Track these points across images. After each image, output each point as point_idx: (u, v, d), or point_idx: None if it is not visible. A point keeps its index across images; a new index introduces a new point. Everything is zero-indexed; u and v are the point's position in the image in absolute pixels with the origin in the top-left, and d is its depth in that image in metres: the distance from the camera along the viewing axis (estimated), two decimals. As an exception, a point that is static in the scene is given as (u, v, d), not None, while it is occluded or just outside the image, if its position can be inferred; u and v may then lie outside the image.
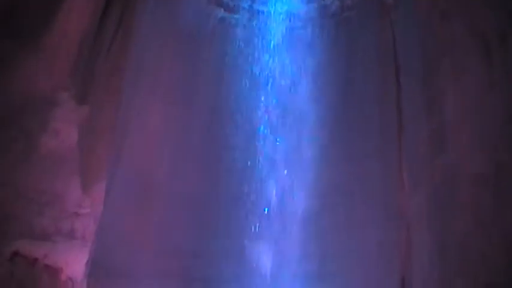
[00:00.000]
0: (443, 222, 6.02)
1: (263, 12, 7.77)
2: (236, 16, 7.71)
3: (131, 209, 6.60)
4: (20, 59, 6.53)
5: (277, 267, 6.69)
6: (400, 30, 6.94)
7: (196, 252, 6.62)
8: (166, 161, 6.88)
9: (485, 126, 5.89)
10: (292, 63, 7.53)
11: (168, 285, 6.51)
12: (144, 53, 7.02)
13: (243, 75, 7.46)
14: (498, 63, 5.98)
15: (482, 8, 6.30)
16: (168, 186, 6.80)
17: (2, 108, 6.48)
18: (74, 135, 6.69)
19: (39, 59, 6.61)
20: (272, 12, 7.77)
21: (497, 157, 5.75)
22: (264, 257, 6.72)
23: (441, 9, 6.68)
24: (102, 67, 6.97)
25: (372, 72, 7.03)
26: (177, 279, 6.54)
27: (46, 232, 6.40)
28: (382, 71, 6.98)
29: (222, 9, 7.68)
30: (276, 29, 7.72)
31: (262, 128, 7.28)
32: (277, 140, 7.23)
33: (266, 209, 6.94)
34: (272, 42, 7.64)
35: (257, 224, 6.85)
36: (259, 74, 7.50)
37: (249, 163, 7.05)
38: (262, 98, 7.39)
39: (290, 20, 7.75)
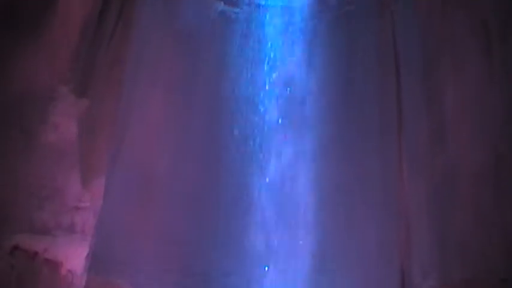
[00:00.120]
0: (443, 220, 6.02)
1: (263, 5, 7.74)
2: (236, 10, 7.69)
3: (131, 203, 6.59)
4: (19, 52, 6.55)
5: (276, 262, 6.67)
6: (400, 24, 6.92)
7: (196, 245, 6.61)
8: (166, 155, 6.87)
9: (485, 123, 5.89)
10: (292, 57, 7.49)
11: (167, 279, 6.51)
12: (144, 45, 7.01)
13: (244, 68, 7.43)
14: (498, 59, 5.97)
15: (483, 3, 6.27)
16: (168, 180, 6.79)
17: (2, 102, 6.51)
18: (73, 129, 6.69)
19: (38, 52, 6.61)
20: (272, 6, 7.74)
21: (498, 154, 5.74)
22: (263, 251, 6.70)
23: (442, 3, 6.65)
24: (102, 60, 6.95)
25: (371, 68, 7.01)
26: (177, 273, 6.54)
27: (46, 226, 6.41)
28: (382, 67, 6.96)
29: (222, 3, 7.65)
30: (276, 23, 7.69)
31: (262, 123, 7.25)
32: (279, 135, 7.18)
33: (266, 200, 6.90)
34: (272, 36, 7.61)
35: (257, 218, 6.83)
36: (260, 68, 7.47)
37: (249, 157, 7.03)
38: (262, 95, 7.37)
39: (290, 14, 7.71)
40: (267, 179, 7.04)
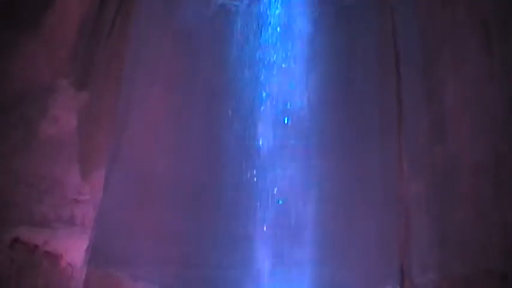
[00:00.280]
0: (442, 212, 6.04)
1: (263, -2, 7.73)
2: (236, 3, 7.66)
3: (130, 198, 6.60)
4: (19, 45, 6.53)
5: (276, 256, 6.69)
6: (400, 23, 6.91)
7: (196, 239, 6.63)
8: (165, 151, 6.88)
9: (485, 116, 5.90)
10: (292, 50, 7.48)
11: (167, 272, 6.53)
12: (143, 41, 7.00)
13: (243, 63, 7.42)
14: (498, 53, 5.98)
15: (483, 2, 6.28)
16: (167, 175, 6.80)
17: (2, 95, 6.50)
18: (73, 122, 6.68)
19: (38, 45, 6.59)
20: (272, -1, 7.73)
21: (498, 147, 5.77)
22: (263, 245, 6.72)
23: (442, 2, 6.65)
24: (102, 54, 6.93)
25: (371, 67, 7.01)
26: (177, 266, 6.56)
27: (46, 219, 6.41)
28: (382, 66, 6.96)
29: (222, -4, 7.65)
30: (276, 16, 7.66)
31: (262, 119, 7.25)
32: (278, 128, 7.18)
33: (266, 199, 6.90)
34: (272, 30, 7.58)
35: (257, 213, 6.85)
36: (260, 62, 7.46)
37: (249, 154, 7.03)
38: (261, 91, 7.35)
39: (289, 7, 7.69)
40: (267, 177, 7.04)
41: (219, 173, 6.91)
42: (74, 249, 6.36)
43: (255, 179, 7.01)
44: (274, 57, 7.50)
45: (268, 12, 7.69)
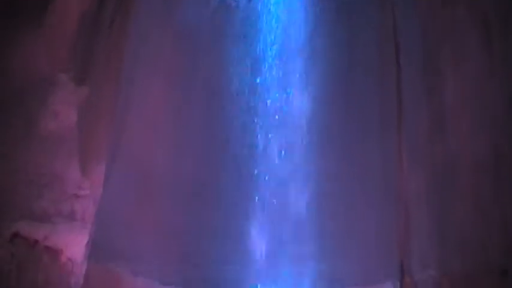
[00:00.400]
0: (442, 209, 6.07)
1: (263, -7, 7.70)
2: (237, -2, 7.66)
3: (131, 193, 6.59)
4: (19, 40, 6.52)
5: (275, 250, 6.70)
6: (401, 14, 6.91)
7: (196, 235, 6.64)
8: (165, 147, 6.87)
9: (485, 114, 5.92)
10: (292, 46, 7.47)
11: (167, 268, 6.54)
12: (143, 37, 6.98)
13: (244, 58, 7.40)
14: (499, 50, 5.99)
15: (483, -2, 6.29)
16: (168, 171, 6.80)
17: (2, 90, 6.49)
18: (73, 117, 6.67)
19: (38, 40, 6.58)
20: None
21: (498, 145, 5.79)
22: (262, 242, 6.73)
23: (442, -3, 6.66)
24: (102, 50, 6.92)
25: (371, 60, 7.00)
26: (177, 262, 6.56)
27: (46, 214, 6.40)
28: (382, 60, 6.95)
29: (223, -9, 7.62)
30: (276, 12, 7.64)
31: (262, 116, 7.24)
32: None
33: (265, 196, 6.90)
34: (273, 25, 7.57)
35: (256, 208, 6.85)
36: (260, 57, 7.45)
37: (249, 148, 7.03)
38: (262, 86, 7.35)
39: (290, 3, 7.67)
40: (267, 174, 7.04)
41: (219, 170, 6.91)
42: (74, 244, 6.36)
43: (255, 176, 7.01)
44: (274, 54, 7.49)
45: (268, 8, 7.67)
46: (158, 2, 7.21)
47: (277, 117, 7.26)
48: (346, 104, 7.02)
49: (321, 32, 7.33)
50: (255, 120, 7.19)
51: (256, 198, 6.91)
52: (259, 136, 7.16)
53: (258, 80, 7.33)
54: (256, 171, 7.02)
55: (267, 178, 7.01)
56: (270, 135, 7.17)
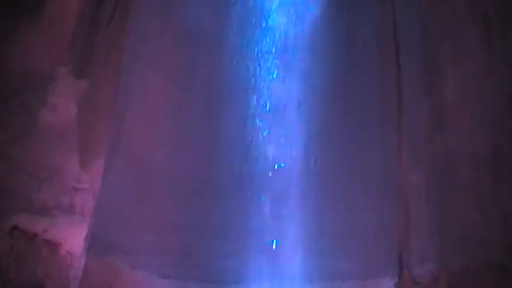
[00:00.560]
0: (442, 203, 6.08)
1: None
2: (237, -8, 7.63)
3: (130, 186, 6.61)
4: (19, 33, 6.50)
5: (276, 244, 6.71)
6: (401, 9, 6.88)
7: (195, 229, 6.64)
8: (165, 140, 6.87)
9: (485, 110, 5.91)
10: (291, 39, 7.45)
11: (166, 261, 6.55)
12: (143, 31, 6.97)
13: (243, 53, 7.39)
14: (499, 47, 5.97)
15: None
16: (167, 165, 6.81)
17: (2, 83, 6.47)
18: (72, 110, 6.66)
19: (38, 34, 6.56)
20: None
21: (497, 141, 5.77)
22: (263, 233, 6.74)
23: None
24: (101, 42, 6.91)
25: (372, 57, 6.99)
26: (176, 256, 6.58)
27: (45, 207, 6.39)
28: (382, 57, 6.94)
29: (223, -15, 7.59)
30: (276, 7, 7.61)
31: (261, 107, 7.23)
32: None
33: (264, 190, 6.90)
34: (272, 21, 7.54)
35: (256, 202, 6.85)
36: (260, 51, 7.43)
37: (248, 141, 7.02)
38: (261, 80, 7.33)
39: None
40: (266, 168, 7.04)
41: (218, 165, 6.92)
42: (73, 238, 6.36)
43: (255, 167, 7.01)
44: (274, 49, 7.47)
45: (268, 3, 7.64)
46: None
47: (276, 115, 7.25)
48: (346, 102, 7.03)
49: (321, 29, 7.30)
50: (255, 117, 7.18)
51: (255, 192, 6.91)
52: (258, 133, 7.15)
53: (257, 78, 7.31)
54: (256, 164, 7.01)
55: (266, 175, 7.01)
56: (269, 134, 7.16)
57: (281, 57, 7.42)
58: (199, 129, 6.98)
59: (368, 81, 6.98)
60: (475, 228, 5.71)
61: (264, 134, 7.18)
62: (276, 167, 7.04)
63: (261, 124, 7.26)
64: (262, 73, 7.37)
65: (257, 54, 7.41)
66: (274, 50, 7.44)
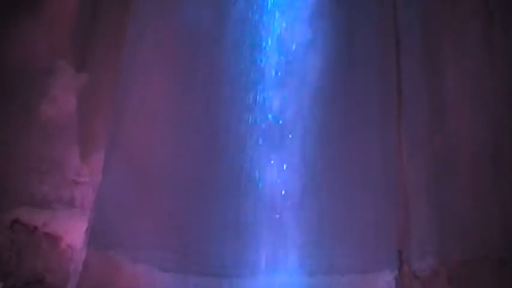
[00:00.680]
0: (441, 198, 6.11)
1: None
2: (236, -15, 7.61)
3: (130, 180, 6.59)
4: (18, 26, 6.51)
5: (274, 242, 6.71)
6: (402, 10, 6.89)
7: (196, 223, 6.64)
8: (165, 133, 6.86)
9: (485, 109, 5.94)
10: (291, 32, 7.44)
11: (167, 254, 6.54)
12: (144, 20, 6.95)
13: (243, 45, 7.37)
14: (500, 47, 6.00)
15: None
16: (167, 158, 6.80)
17: (2, 76, 6.47)
18: (73, 103, 6.67)
19: (37, 26, 6.57)
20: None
21: (497, 135, 5.81)
22: (262, 230, 6.74)
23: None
24: (101, 34, 6.91)
25: (371, 49, 6.99)
26: (176, 250, 6.57)
27: (46, 200, 6.41)
28: (383, 52, 6.95)
29: (223, -22, 7.57)
30: (276, 2, 7.60)
31: (261, 102, 7.22)
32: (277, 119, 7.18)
33: (264, 185, 6.91)
34: (273, 13, 7.53)
35: (256, 199, 6.85)
36: (259, 44, 7.42)
37: (248, 137, 7.02)
38: (261, 63, 7.31)
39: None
40: (266, 164, 7.03)
41: (219, 160, 6.91)
42: (73, 231, 6.37)
43: (255, 161, 7.01)
44: (273, 43, 7.46)
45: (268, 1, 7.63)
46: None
47: (276, 109, 7.25)
48: (346, 95, 7.01)
49: (321, 27, 7.30)
50: (254, 114, 7.18)
51: (255, 188, 6.91)
52: (259, 122, 7.15)
53: (257, 69, 7.31)
54: (256, 158, 7.01)
55: (266, 167, 7.01)
56: (269, 129, 7.16)
57: (281, 50, 7.41)
58: (199, 125, 6.97)
59: (368, 74, 6.97)
60: (474, 220, 5.76)
61: (265, 125, 7.18)
62: (276, 161, 7.04)
63: (260, 124, 7.25)
64: (263, 66, 7.37)
65: (257, 47, 7.40)
66: (272, 43, 7.42)
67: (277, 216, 6.84)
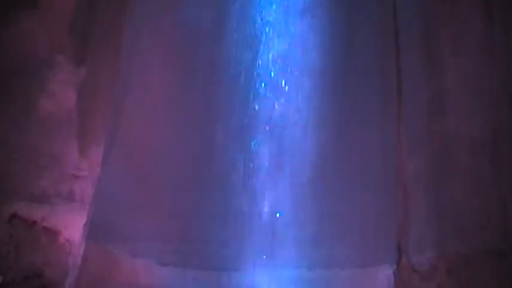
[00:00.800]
0: (441, 191, 6.07)
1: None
2: (235, -18, 7.60)
3: (129, 173, 6.59)
4: (16, 20, 6.51)
5: (275, 235, 6.70)
6: (402, 5, 6.86)
7: (195, 216, 6.64)
8: (165, 126, 6.86)
9: (484, 96, 5.91)
10: (291, 25, 7.43)
11: (166, 248, 6.54)
12: (142, 14, 6.94)
13: (242, 37, 7.36)
14: (499, 33, 5.97)
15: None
16: (167, 150, 6.79)
17: (1, 71, 6.48)
18: (71, 97, 6.67)
19: (35, 20, 6.57)
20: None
21: (497, 126, 5.79)
22: (262, 222, 6.73)
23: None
24: (100, 28, 6.90)
25: (371, 38, 6.97)
26: (176, 243, 6.57)
27: (45, 194, 6.42)
28: (382, 37, 6.92)
29: (222, -29, 7.56)
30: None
31: (260, 92, 7.21)
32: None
33: (264, 177, 6.90)
34: (272, 8, 7.52)
35: (255, 187, 6.85)
36: (258, 37, 7.40)
37: (249, 129, 7.02)
38: (260, 62, 7.31)
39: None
40: (265, 154, 7.03)
41: (219, 151, 6.90)
42: (72, 225, 6.38)
43: (255, 153, 7.00)
44: (273, 35, 7.45)
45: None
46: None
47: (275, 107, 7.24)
48: (344, 84, 6.98)
49: (321, 24, 7.28)
50: (255, 98, 7.16)
51: (256, 179, 6.91)
52: (259, 113, 7.14)
53: (255, 57, 7.29)
54: (256, 150, 7.00)
55: (265, 158, 7.00)
56: (269, 113, 7.15)
57: (281, 43, 7.40)
58: (199, 113, 6.97)
59: (367, 62, 6.95)
60: (473, 213, 5.72)
61: (264, 124, 7.17)
62: (274, 152, 7.03)
63: (261, 114, 7.25)
64: (263, 59, 7.36)
65: (257, 31, 7.38)
66: (273, 34, 7.41)
67: (277, 211, 6.84)
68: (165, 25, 7.19)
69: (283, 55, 7.36)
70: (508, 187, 5.59)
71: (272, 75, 7.27)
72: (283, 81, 7.25)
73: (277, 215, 6.80)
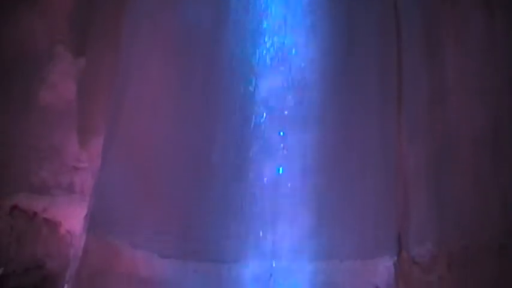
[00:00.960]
0: (441, 183, 6.08)
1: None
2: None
3: (129, 165, 6.58)
4: (16, 11, 6.50)
5: (274, 228, 6.70)
6: (402, 5, 6.83)
7: (196, 209, 6.63)
8: (165, 118, 6.83)
9: (485, 94, 5.90)
10: (290, 21, 7.39)
11: (166, 240, 6.54)
12: (142, 5, 6.91)
13: (242, 32, 7.32)
14: (501, 23, 5.95)
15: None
16: (167, 143, 6.77)
17: (1, 62, 6.48)
18: (71, 88, 6.67)
19: (35, 11, 6.56)
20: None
21: (498, 119, 5.79)
22: (262, 213, 6.72)
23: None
24: (100, 18, 6.87)
25: (372, 32, 6.93)
26: (176, 236, 6.56)
27: (45, 186, 6.44)
28: (383, 31, 6.89)
29: (222, -32, 7.51)
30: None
31: (260, 87, 7.19)
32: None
33: (264, 169, 6.88)
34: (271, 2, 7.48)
35: (256, 183, 6.83)
36: (258, 32, 7.37)
37: (249, 122, 7.00)
38: (258, 56, 7.27)
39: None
40: (266, 147, 7.01)
41: (220, 145, 6.89)
42: (73, 217, 6.39)
43: (255, 145, 6.99)
44: (274, 28, 7.41)
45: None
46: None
47: (275, 98, 7.21)
48: (346, 76, 6.95)
49: (321, 24, 7.23)
50: (255, 91, 7.14)
51: (256, 172, 6.89)
52: (259, 106, 7.12)
53: (254, 52, 7.26)
54: (256, 142, 6.99)
55: (266, 151, 6.99)
56: (269, 108, 7.12)
57: (281, 36, 7.36)
58: (199, 106, 6.95)
59: (368, 54, 6.92)
60: (474, 205, 5.73)
61: (264, 115, 7.15)
62: (275, 145, 7.02)
63: (260, 107, 7.23)
64: (263, 54, 7.32)
65: (256, 26, 7.34)
66: (274, 27, 7.37)
67: (276, 203, 6.84)
68: (165, 17, 7.15)
69: (283, 52, 7.34)
70: (509, 182, 5.59)
71: (272, 72, 7.26)
72: (283, 81, 7.24)
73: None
